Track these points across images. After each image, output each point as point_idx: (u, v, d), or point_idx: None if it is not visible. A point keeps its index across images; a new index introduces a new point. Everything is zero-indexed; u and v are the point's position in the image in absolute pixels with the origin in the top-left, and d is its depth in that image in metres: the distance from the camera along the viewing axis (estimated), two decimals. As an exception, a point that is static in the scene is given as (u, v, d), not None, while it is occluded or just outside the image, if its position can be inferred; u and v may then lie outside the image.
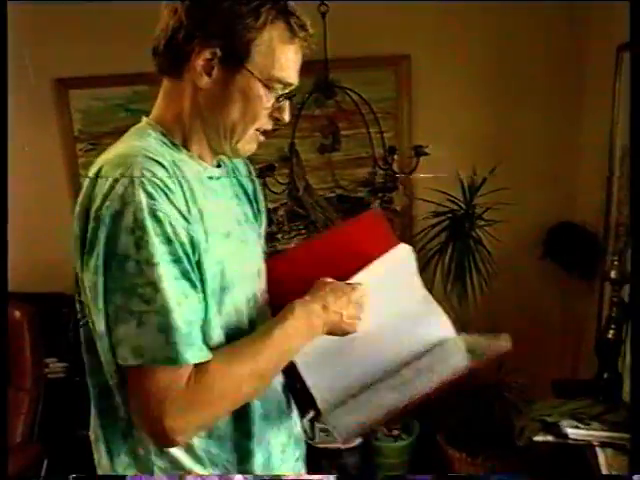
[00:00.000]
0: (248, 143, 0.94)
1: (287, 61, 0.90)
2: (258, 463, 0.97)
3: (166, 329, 0.79)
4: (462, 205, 2.11)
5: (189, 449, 0.92)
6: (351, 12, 2.14)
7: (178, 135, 0.93)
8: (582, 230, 2.21)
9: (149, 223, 0.79)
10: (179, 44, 0.88)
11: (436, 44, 2.31)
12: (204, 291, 0.86)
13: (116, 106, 2.51)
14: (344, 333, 0.98)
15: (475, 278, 2.11)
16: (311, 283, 0.99)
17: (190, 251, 0.84)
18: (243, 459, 0.96)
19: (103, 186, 0.81)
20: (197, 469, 0.92)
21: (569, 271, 2.23)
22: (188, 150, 0.93)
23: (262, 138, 0.96)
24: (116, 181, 0.80)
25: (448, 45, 2.30)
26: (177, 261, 0.81)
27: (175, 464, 0.91)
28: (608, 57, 2.00)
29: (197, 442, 0.92)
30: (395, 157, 2.11)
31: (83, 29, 2.39)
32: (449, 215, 2.12)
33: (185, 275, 0.82)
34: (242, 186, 1.08)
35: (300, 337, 0.93)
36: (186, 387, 0.81)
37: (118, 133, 0.96)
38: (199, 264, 0.85)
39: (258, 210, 1.12)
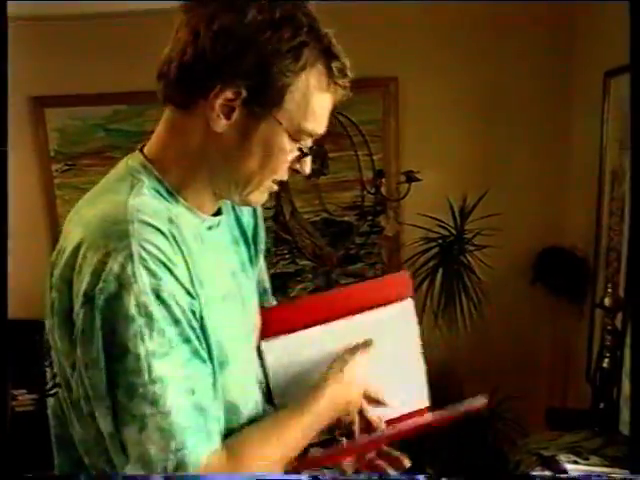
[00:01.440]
0: (261, 193, 0.82)
1: (321, 110, 0.77)
2: None
3: (170, 430, 0.69)
4: (452, 230, 2.07)
5: None
6: (338, 33, 2.11)
7: (175, 180, 0.79)
8: (571, 255, 2.19)
9: (155, 309, 0.68)
10: (197, 76, 0.73)
11: (424, 66, 2.30)
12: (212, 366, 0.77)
13: (94, 126, 2.42)
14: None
15: (465, 304, 2.08)
16: (298, 321, 0.93)
17: (197, 326, 0.73)
18: None
19: (90, 259, 0.68)
20: None
21: (559, 295, 2.21)
22: (185, 199, 0.79)
23: (276, 187, 0.83)
24: (107, 255, 0.67)
25: (436, 68, 2.29)
26: (186, 341, 0.71)
27: None
28: (595, 82, 2.01)
29: None
30: (383, 181, 2.08)
31: (60, 45, 2.32)
32: (439, 241, 2.08)
33: (197, 353, 0.72)
34: (240, 225, 0.95)
35: (328, 417, 0.86)
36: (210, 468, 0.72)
37: (96, 154, 0.87)
38: (203, 338, 0.75)
39: (256, 250, 0.99)
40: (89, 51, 2.31)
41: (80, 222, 0.74)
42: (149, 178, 0.78)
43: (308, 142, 0.79)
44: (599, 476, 1.34)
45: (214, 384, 0.76)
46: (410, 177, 1.82)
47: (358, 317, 0.96)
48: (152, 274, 0.68)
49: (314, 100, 0.75)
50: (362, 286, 1.09)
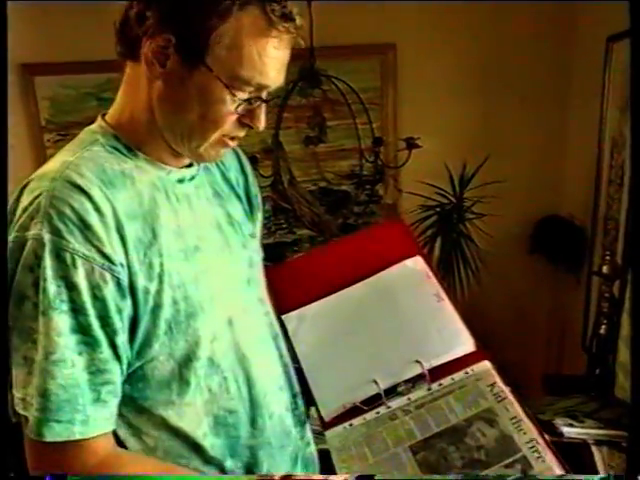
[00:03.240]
0: (212, 148, 0.81)
1: (261, 57, 0.74)
2: None
3: (43, 393, 0.70)
4: (451, 198, 2.06)
5: None
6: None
7: (133, 136, 0.81)
8: (569, 224, 2.19)
9: (49, 263, 0.69)
10: (132, 25, 0.75)
11: (422, 33, 2.26)
12: (153, 332, 0.77)
13: (87, 94, 2.37)
14: None
15: (463, 272, 2.08)
16: (319, 288, 0.93)
17: (109, 297, 0.73)
18: None
19: (11, 208, 0.73)
20: None
21: (556, 265, 2.22)
22: (147, 154, 0.81)
23: (233, 144, 0.83)
24: (24, 209, 0.72)
25: (434, 34, 2.25)
26: (78, 311, 0.71)
27: None
28: (597, 48, 1.98)
29: None
30: (382, 149, 2.06)
31: (51, 11, 2.25)
32: (437, 209, 2.07)
33: (84, 330, 0.72)
34: (227, 181, 0.96)
35: None
36: (83, 462, 0.73)
37: (89, 123, 0.86)
38: (138, 301, 0.75)
39: (250, 206, 0.99)
40: (80, 17, 2.24)
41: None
42: (105, 137, 0.80)
43: (262, 94, 0.78)
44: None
45: (110, 371, 0.74)
46: (410, 144, 1.80)
47: (372, 279, 0.98)
48: (54, 231, 0.70)
49: (249, 45, 0.73)
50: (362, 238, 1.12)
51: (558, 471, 0.80)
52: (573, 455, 1.61)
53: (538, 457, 0.82)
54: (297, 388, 0.98)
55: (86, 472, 0.73)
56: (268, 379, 0.91)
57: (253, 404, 0.87)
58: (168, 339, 0.78)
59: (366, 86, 2.29)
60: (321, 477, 1.04)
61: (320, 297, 1.04)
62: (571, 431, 1.57)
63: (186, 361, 0.80)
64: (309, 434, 1.02)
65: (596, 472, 1.47)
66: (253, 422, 0.88)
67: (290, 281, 1.05)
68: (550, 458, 0.81)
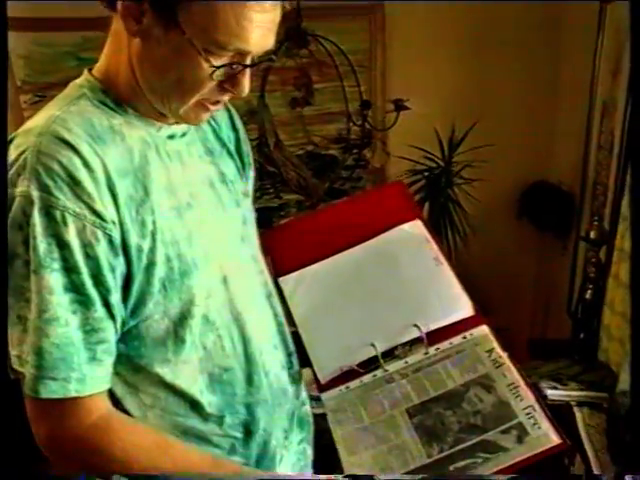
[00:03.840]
0: (192, 112, 0.78)
1: (239, 22, 0.68)
2: (253, 449, 0.89)
3: (38, 351, 0.70)
4: (440, 162, 2.04)
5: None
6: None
7: (120, 90, 0.78)
8: (557, 190, 2.18)
9: (38, 221, 0.68)
10: None
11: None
12: (147, 291, 0.76)
13: (64, 54, 2.27)
14: None
15: (451, 237, 2.07)
16: (316, 250, 0.92)
17: (101, 255, 0.71)
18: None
19: (5, 166, 0.71)
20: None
21: (543, 230, 2.21)
22: (135, 110, 0.79)
23: (215, 108, 0.79)
24: (11, 165, 0.70)
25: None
26: (70, 270, 0.70)
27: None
28: (590, 9, 1.93)
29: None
30: (370, 112, 2.02)
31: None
32: (425, 173, 2.05)
33: (77, 288, 0.71)
34: (219, 138, 0.94)
35: None
36: (79, 421, 0.73)
37: (67, 84, 0.83)
38: (131, 259, 0.74)
39: (242, 164, 0.98)
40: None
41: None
42: (92, 91, 0.78)
43: (246, 59, 0.74)
44: None
45: (104, 328, 0.74)
46: (399, 105, 1.77)
47: (370, 242, 0.97)
48: (44, 188, 0.68)
49: (224, 9, 0.68)
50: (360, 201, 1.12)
51: (554, 438, 0.80)
52: (555, 416, 1.64)
53: (534, 424, 0.82)
54: (292, 347, 0.98)
55: (81, 431, 0.73)
56: (263, 337, 0.90)
57: (248, 361, 0.87)
58: (162, 297, 0.77)
59: (354, 48, 2.22)
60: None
61: (318, 260, 1.03)
62: (555, 393, 1.59)
63: (181, 319, 0.80)
64: (304, 393, 1.02)
65: (577, 432, 1.50)
66: (249, 379, 0.87)
67: (287, 243, 1.04)
68: (546, 425, 0.82)
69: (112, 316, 0.74)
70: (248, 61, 0.74)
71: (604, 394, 1.59)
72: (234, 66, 0.73)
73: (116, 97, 0.78)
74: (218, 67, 0.72)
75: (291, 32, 1.98)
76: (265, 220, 2.50)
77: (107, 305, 0.73)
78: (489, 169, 2.06)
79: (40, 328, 0.69)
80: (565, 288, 2.13)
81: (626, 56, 1.75)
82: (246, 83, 0.75)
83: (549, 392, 1.59)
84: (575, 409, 1.58)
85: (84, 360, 0.72)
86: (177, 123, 0.84)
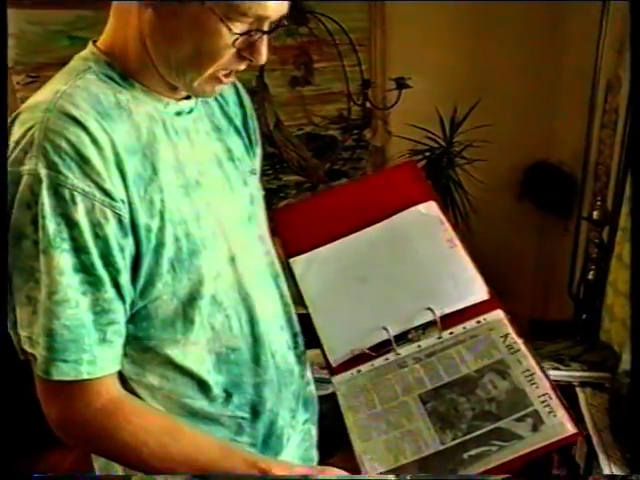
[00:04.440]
0: (207, 84, 0.76)
1: None
2: (260, 429, 0.89)
3: (49, 333, 0.69)
4: (441, 142, 2.02)
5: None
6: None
7: (127, 64, 0.76)
8: (559, 170, 2.17)
9: (47, 200, 0.66)
10: None
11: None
12: (156, 271, 0.75)
13: (57, 32, 2.22)
14: None
15: (452, 218, 2.06)
16: (328, 231, 0.91)
17: (110, 235, 0.70)
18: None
19: (10, 143, 0.69)
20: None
21: (544, 211, 2.20)
22: (142, 84, 0.77)
23: (228, 80, 0.78)
24: (17, 143, 0.68)
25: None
26: (80, 250, 0.68)
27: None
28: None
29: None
30: (370, 92, 1.99)
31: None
32: (427, 153, 2.03)
33: (87, 269, 0.69)
34: (226, 115, 0.91)
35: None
36: (88, 403, 0.72)
37: (61, 64, 0.80)
38: (140, 239, 0.73)
39: (250, 141, 0.96)
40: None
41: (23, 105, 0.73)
42: (98, 64, 0.76)
43: (264, 25, 0.72)
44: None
45: (113, 305, 0.73)
46: (400, 84, 1.74)
47: (384, 223, 0.96)
48: (52, 166, 0.66)
49: None
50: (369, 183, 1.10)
51: (570, 427, 0.79)
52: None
53: (550, 412, 0.80)
54: (297, 328, 0.97)
55: (90, 414, 0.72)
56: (270, 318, 0.90)
57: (255, 342, 0.86)
58: (171, 278, 0.76)
59: (353, 26, 2.18)
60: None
61: (329, 241, 1.02)
62: (557, 374, 1.59)
63: (190, 300, 0.78)
64: (309, 374, 1.02)
65: (579, 412, 1.50)
66: (256, 360, 0.87)
67: (298, 224, 1.03)
68: (562, 414, 0.80)
69: (122, 297, 0.73)
70: (266, 27, 0.73)
71: (606, 374, 1.60)
72: (252, 33, 0.71)
73: (123, 71, 0.76)
74: (241, 34, 0.70)
75: (291, 9, 1.94)
76: (264, 202, 2.48)
77: (117, 286, 0.72)
78: (490, 149, 2.03)
79: (50, 310, 0.68)
80: (566, 269, 2.12)
81: (631, 33, 1.72)
82: (264, 50, 0.74)
83: (551, 373, 1.59)
84: (577, 389, 1.58)
85: (95, 341, 0.71)
86: (187, 98, 0.82)
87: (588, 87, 1.96)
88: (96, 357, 0.71)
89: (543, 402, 0.81)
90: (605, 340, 1.74)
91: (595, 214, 1.78)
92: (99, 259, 0.70)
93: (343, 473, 0.77)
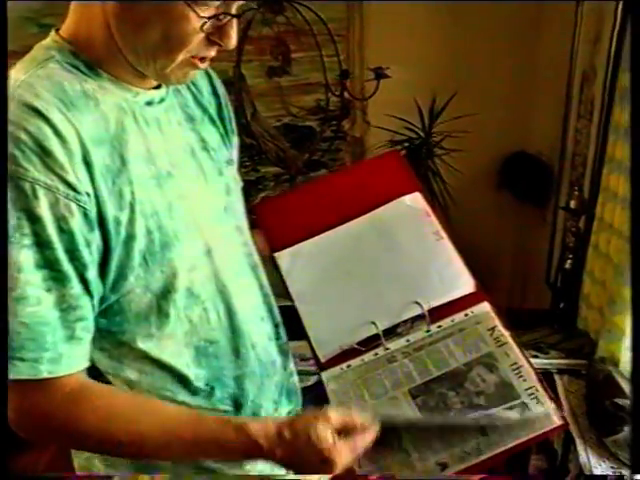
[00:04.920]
0: (180, 70, 0.74)
1: None
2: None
3: (10, 330, 0.66)
4: (420, 133, 2.01)
5: None
6: None
7: (92, 53, 0.73)
8: (536, 160, 2.18)
9: (10, 196, 0.64)
10: None
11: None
12: (127, 264, 0.72)
13: (25, 20, 2.16)
14: (311, 471, 0.76)
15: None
16: (313, 223, 0.90)
17: (76, 229, 0.68)
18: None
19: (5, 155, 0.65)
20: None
21: (522, 201, 2.22)
22: (110, 73, 0.74)
23: (203, 65, 0.76)
24: None
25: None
26: (43, 245, 0.66)
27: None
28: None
29: None
30: (348, 82, 1.98)
31: None
32: (406, 144, 2.02)
33: (51, 265, 0.67)
34: (200, 104, 0.89)
35: (223, 447, 0.73)
36: (49, 397, 0.70)
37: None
38: (108, 233, 0.71)
39: (225, 131, 0.94)
40: None
41: None
42: (61, 53, 0.73)
43: (232, 9, 0.70)
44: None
45: (80, 301, 0.70)
46: (379, 74, 1.73)
47: (369, 215, 0.95)
48: (11, 159, 0.64)
49: None
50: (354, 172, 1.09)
51: (556, 420, 0.80)
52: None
53: (537, 404, 0.81)
54: (278, 318, 0.96)
55: (53, 407, 0.70)
56: (249, 309, 0.88)
57: (235, 334, 0.84)
58: (143, 271, 0.74)
59: (331, 16, 2.16)
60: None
61: (314, 234, 1.00)
62: (536, 362, 1.61)
63: (164, 293, 0.76)
64: (292, 365, 1.00)
65: (558, 398, 1.53)
66: (236, 352, 0.85)
67: (282, 217, 1.01)
68: (549, 406, 0.81)
69: (89, 292, 0.71)
70: (234, 10, 0.71)
71: (583, 361, 1.62)
72: (221, 17, 0.70)
73: (88, 60, 0.73)
74: (209, 18, 0.69)
75: (267, -2, 1.91)
76: (243, 194, 2.47)
77: (84, 281, 0.70)
78: (469, 140, 2.03)
79: (8, 307, 0.66)
80: (543, 258, 2.15)
81: (607, 24, 1.74)
82: (233, 34, 0.72)
83: (531, 361, 1.61)
84: (555, 376, 1.61)
85: (61, 339, 0.69)
86: (157, 88, 0.79)
87: (564, 78, 1.98)
88: (62, 355, 0.69)
89: (530, 395, 0.82)
90: (582, 328, 1.77)
91: (572, 203, 1.80)
92: (64, 254, 0.68)
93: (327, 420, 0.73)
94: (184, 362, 0.81)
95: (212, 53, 0.75)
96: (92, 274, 0.71)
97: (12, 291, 0.65)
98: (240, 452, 0.73)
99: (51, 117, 0.66)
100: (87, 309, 0.71)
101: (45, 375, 0.68)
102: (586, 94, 1.93)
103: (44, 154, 0.65)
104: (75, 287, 0.69)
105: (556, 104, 2.04)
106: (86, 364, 0.73)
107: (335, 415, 0.73)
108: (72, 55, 0.73)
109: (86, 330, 0.72)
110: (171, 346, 0.79)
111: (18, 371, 0.67)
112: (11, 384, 0.68)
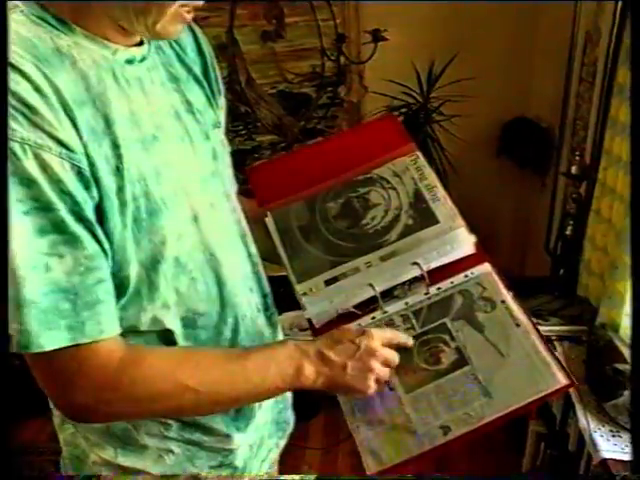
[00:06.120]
0: (170, 24, 0.69)
1: None
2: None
3: (22, 304, 0.61)
4: (418, 98, 1.97)
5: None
6: None
7: (66, 7, 0.67)
8: (536, 125, 2.14)
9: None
10: None
11: None
12: (113, 233, 0.67)
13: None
14: (352, 391, 0.79)
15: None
16: (307, 185, 0.86)
17: (74, 188, 0.62)
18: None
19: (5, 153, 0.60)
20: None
21: (522, 167, 2.19)
22: (84, 28, 0.68)
23: (190, 16, 0.71)
24: None
25: None
26: (44, 209, 0.61)
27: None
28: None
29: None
30: (345, 47, 1.93)
31: None
32: (403, 109, 1.98)
33: (58, 228, 0.62)
34: (184, 63, 0.83)
35: (279, 380, 0.75)
36: (102, 367, 0.67)
37: None
38: (103, 195, 0.65)
39: (212, 92, 0.88)
40: None
41: None
42: (29, 6, 0.65)
43: None
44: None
45: (94, 263, 0.65)
46: (376, 36, 1.68)
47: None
48: None
49: None
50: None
51: (562, 379, 0.79)
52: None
53: (542, 364, 0.80)
54: (267, 289, 0.93)
55: (111, 379, 0.67)
56: (239, 279, 0.84)
57: (223, 305, 0.81)
58: (132, 240, 0.70)
59: (327, -23, 2.11)
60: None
61: (308, 193, 0.96)
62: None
63: (153, 263, 0.72)
64: (280, 336, 0.98)
65: (560, 364, 1.52)
66: (225, 323, 0.82)
67: (276, 179, 0.96)
68: (554, 366, 0.80)
69: (104, 251, 0.66)
70: None
71: (584, 327, 1.62)
72: None
73: (58, 13, 0.66)
74: None
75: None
76: (239, 163, 2.43)
77: (97, 241, 0.65)
78: (468, 106, 1.99)
79: (21, 276, 0.60)
80: (543, 225, 2.13)
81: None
82: None
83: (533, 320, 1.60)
84: (556, 343, 1.60)
85: (83, 305, 0.64)
86: (137, 46, 0.74)
87: (566, 39, 1.92)
88: (85, 322, 0.64)
89: (535, 355, 0.81)
90: (582, 294, 1.75)
91: (573, 169, 1.77)
92: (69, 214, 0.62)
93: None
94: (172, 335, 0.77)
95: (199, 3, 0.70)
96: (100, 233, 0.66)
97: (24, 262, 0.60)
98: (294, 367, 0.75)
99: (26, 71, 0.60)
100: (105, 270, 0.66)
101: (86, 340, 0.64)
102: (589, 56, 1.88)
103: (29, 111, 0.59)
104: (88, 247, 0.64)
105: (557, 67, 1.99)
106: (118, 328, 0.69)
107: (379, 333, 0.79)
108: (39, 7, 0.66)
109: (108, 292, 0.67)
110: (160, 318, 0.76)
111: (55, 339, 0.62)
112: (42, 357, 0.64)
